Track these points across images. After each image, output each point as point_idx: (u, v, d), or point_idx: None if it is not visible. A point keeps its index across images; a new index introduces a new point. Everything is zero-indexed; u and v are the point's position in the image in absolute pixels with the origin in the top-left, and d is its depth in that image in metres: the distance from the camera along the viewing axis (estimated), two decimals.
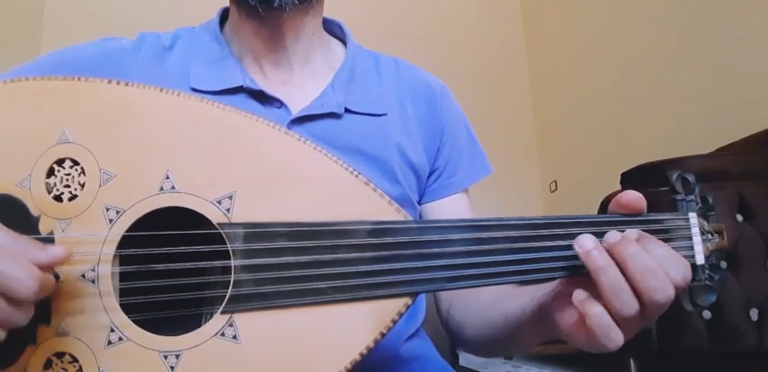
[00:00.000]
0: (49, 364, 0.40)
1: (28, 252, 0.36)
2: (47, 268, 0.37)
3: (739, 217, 1.35)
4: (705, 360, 1.41)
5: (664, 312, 0.40)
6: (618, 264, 0.39)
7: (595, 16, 2.89)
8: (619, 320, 0.38)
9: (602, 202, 1.58)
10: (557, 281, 0.44)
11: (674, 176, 0.46)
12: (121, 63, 0.63)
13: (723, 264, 0.46)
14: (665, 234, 0.43)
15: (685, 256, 0.43)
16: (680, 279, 0.39)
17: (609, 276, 0.38)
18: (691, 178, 0.45)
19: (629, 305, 0.38)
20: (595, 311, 0.38)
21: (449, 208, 0.71)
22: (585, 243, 0.40)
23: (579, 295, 0.40)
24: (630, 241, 0.39)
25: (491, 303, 0.57)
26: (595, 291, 0.39)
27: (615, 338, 0.38)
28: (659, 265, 0.38)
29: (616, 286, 0.38)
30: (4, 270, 0.34)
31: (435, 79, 0.76)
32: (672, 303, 0.40)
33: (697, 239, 0.44)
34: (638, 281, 0.38)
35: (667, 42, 2.33)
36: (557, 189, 3.24)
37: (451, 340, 0.76)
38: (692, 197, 0.45)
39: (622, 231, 0.41)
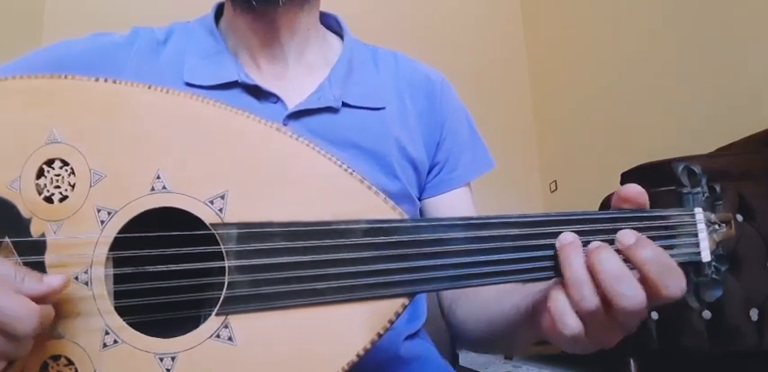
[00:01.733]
0: (45, 367, 0.40)
1: (24, 285, 0.36)
2: (45, 299, 0.36)
3: (739, 217, 1.35)
4: (705, 360, 1.41)
5: (664, 312, 0.40)
6: (589, 269, 0.39)
7: (595, 16, 2.88)
8: (583, 314, 0.39)
9: (602, 202, 1.58)
10: (553, 281, 0.44)
11: (680, 168, 0.45)
12: (114, 58, 0.62)
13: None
14: (671, 231, 0.42)
15: (691, 253, 0.42)
16: (678, 293, 0.39)
17: (572, 267, 0.39)
18: (697, 169, 0.44)
19: (588, 300, 0.38)
20: (555, 296, 0.39)
21: (450, 203, 0.70)
22: (565, 238, 0.40)
23: (552, 285, 0.40)
24: (605, 247, 0.39)
25: (492, 299, 0.57)
26: None
27: (571, 324, 0.39)
28: (654, 274, 0.38)
29: (576, 277, 0.38)
30: (2, 307, 0.34)
31: (435, 72, 0.74)
32: (675, 301, 0.40)
33: (703, 235, 0.43)
34: (606, 286, 0.38)
35: (667, 42, 2.33)
36: (557, 189, 3.24)
37: (452, 338, 0.75)
38: (698, 189, 0.45)
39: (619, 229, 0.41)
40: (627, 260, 0.39)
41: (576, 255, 0.39)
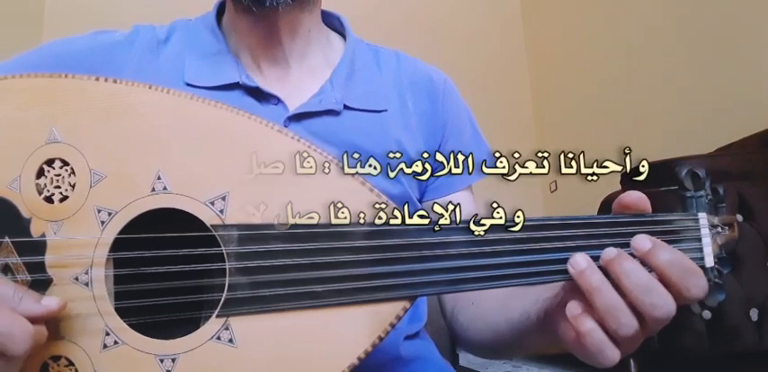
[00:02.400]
0: (45, 368, 0.39)
1: (21, 305, 0.36)
2: (40, 320, 0.36)
3: (739, 217, 1.34)
4: (705, 360, 1.41)
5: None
6: (613, 282, 0.38)
7: (595, 16, 2.88)
8: (620, 340, 0.38)
9: (602, 202, 1.57)
10: (561, 287, 0.43)
11: (684, 172, 0.44)
12: (115, 56, 0.62)
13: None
14: (674, 235, 0.42)
15: (694, 258, 0.41)
16: (700, 294, 0.38)
17: (604, 296, 0.37)
18: (701, 173, 0.44)
19: (628, 325, 0.37)
20: (588, 328, 0.37)
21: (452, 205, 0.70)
22: (579, 263, 0.39)
23: (573, 309, 0.38)
24: (626, 257, 0.38)
25: (496, 306, 0.56)
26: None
27: (610, 355, 0.38)
28: (675, 278, 0.37)
29: (612, 306, 0.37)
30: None
31: (438, 72, 0.74)
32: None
33: (707, 240, 0.43)
34: (636, 299, 0.37)
35: (667, 42, 2.33)
36: (557, 189, 3.23)
37: (453, 340, 0.75)
38: (701, 192, 0.44)
39: (632, 234, 0.40)
40: (644, 265, 0.38)
41: (601, 281, 0.38)
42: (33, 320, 0.36)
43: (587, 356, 0.39)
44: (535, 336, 0.48)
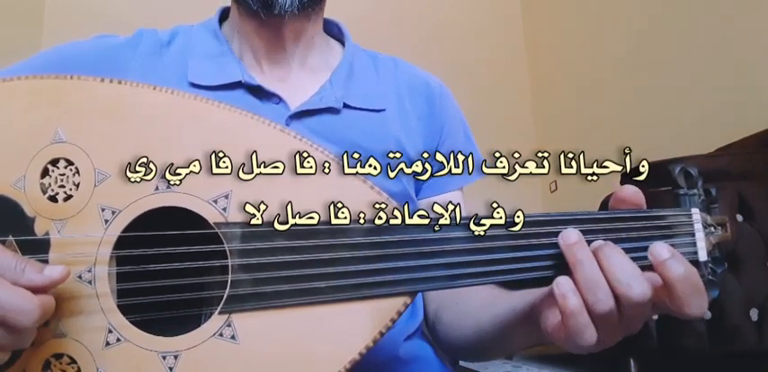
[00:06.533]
0: (47, 365, 0.40)
1: (24, 276, 0.36)
2: (44, 290, 0.36)
3: (739, 217, 1.35)
4: (705, 360, 1.41)
5: (659, 314, 0.40)
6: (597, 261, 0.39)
7: (595, 16, 2.88)
8: (595, 317, 0.38)
9: (602, 202, 1.58)
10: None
11: (677, 170, 0.45)
12: (119, 59, 0.63)
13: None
14: (668, 231, 0.43)
15: (687, 253, 0.42)
16: (698, 313, 0.39)
17: (586, 270, 0.38)
18: (693, 171, 0.45)
19: (604, 302, 0.38)
20: (573, 305, 0.38)
21: (444, 204, 0.71)
22: (570, 237, 0.40)
23: (562, 286, 0.39)
24: (610, 245, 0.39)
25: (482, 304, 0.57)
26: None
27: (589, 337, 0.38)
28: (681, 293, 0.38)
29: (593, 280, 0.38)
30: (2, 301, 0.34)
31: (434, 78, 0.76)
32: None
33: (700, 235, 0.44)
34: (613, 277, 0.38)
35: (667, 42, 2.33)
36: (557, 189, 3.24)
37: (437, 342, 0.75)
38: (694, 191, 0.45)
39: (627, 229, 0.41)
40: (657, 273, 0.39)
41: (586, 256, 0.39)
42: (38, 290, 0.36)
43: (567, 337, 0.39)
44: (517, 329, 0.49)
